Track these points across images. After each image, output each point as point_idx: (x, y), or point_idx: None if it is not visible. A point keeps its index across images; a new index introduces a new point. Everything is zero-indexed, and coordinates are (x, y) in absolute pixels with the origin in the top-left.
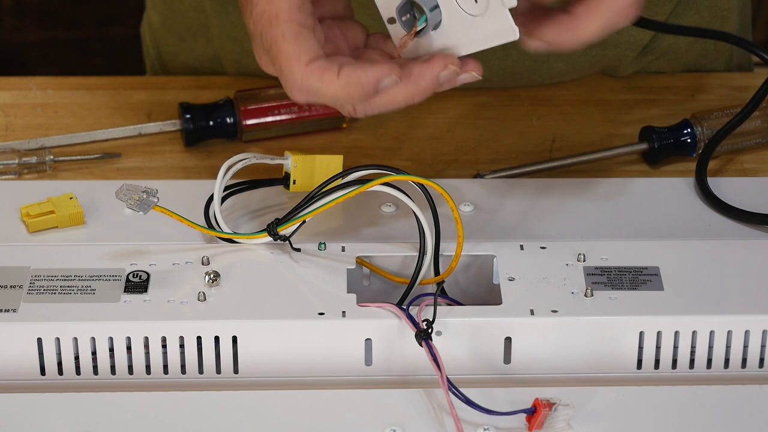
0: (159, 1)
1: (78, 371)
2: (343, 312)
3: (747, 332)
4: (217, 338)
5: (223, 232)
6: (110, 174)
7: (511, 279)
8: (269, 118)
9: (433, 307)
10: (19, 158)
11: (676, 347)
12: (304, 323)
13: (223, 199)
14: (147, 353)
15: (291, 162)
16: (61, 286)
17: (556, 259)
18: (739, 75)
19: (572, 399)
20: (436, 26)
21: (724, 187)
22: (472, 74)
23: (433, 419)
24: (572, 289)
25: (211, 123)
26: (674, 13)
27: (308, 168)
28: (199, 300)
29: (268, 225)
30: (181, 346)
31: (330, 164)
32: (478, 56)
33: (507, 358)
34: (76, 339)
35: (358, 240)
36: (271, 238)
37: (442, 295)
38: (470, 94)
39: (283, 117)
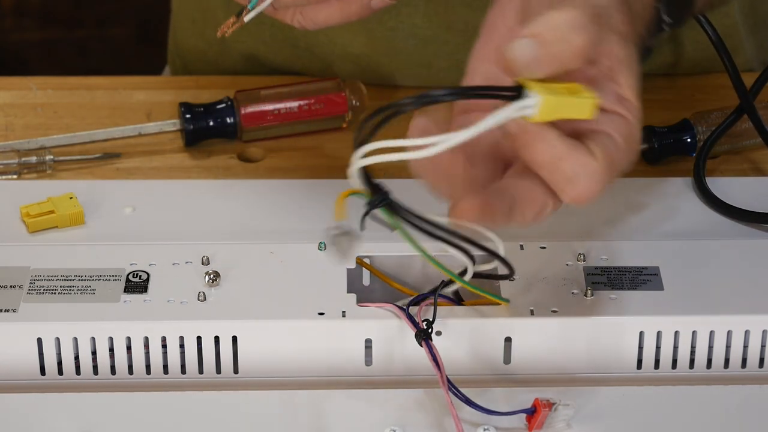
0: None
1: (78, 371)
2: (343, 312)
3: (747, 332)
4: (217, 338)
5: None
6: (110, 174)
7: (512, 279)
8: (269, 118)
9: (433, 307)
10: (19, 158)
11: (676, 347)
12: (304, 323)
13: None
14: (147, 353)
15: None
16: (61, 286)
17: (556, 259)
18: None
19: (572, 399)
20: None
21: (724, 187)
22: None
23: (433, 419)
24: (572, 289)
25: (211, 123)
26: None
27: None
28: (199, 300)
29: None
30: (181, 346)
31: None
32: None
33: (507, 358)
34: (76, 339)
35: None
36: None
37: (442, 295)
38: None
39: (283, 117)
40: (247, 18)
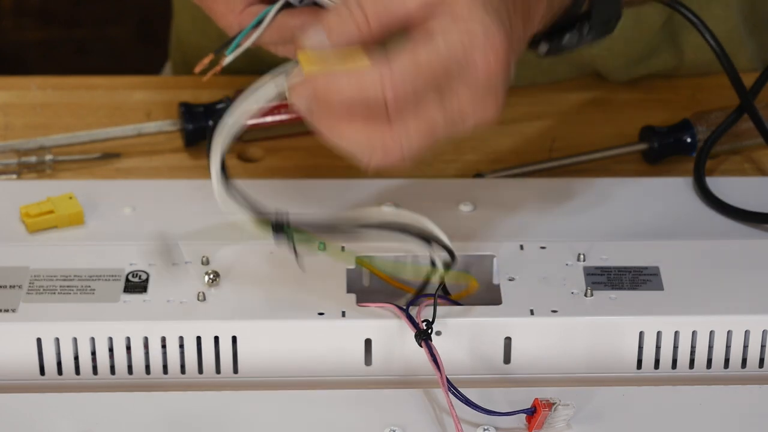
0: None
1: (77, 371)
2: (343, 312)
3: (747, 332)
4: (216, 338)
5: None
6: (110, 174)
7: (511, 279)
8: (269, 118)
9: (432, 307)
10: (18, 158)
11: (676, 347)
12: (303, 323)
13: None
14: (146, 353)
15: None
16: (60, 286)
17: (556, 259)
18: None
19: (572, 399)
20: None
21: (724, 187)
22: None
23: (433, 419)
24: (572, 289)
25: (211, 123)
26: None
27: None
28: (198, 300)
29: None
30: (181, 346)
31: None
32: None
33: (507, 358)
34: (75, 339)
35: (358, 240)
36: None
37: (441, 295)
38: None
39: (283, 117)
40: (225, 62)
